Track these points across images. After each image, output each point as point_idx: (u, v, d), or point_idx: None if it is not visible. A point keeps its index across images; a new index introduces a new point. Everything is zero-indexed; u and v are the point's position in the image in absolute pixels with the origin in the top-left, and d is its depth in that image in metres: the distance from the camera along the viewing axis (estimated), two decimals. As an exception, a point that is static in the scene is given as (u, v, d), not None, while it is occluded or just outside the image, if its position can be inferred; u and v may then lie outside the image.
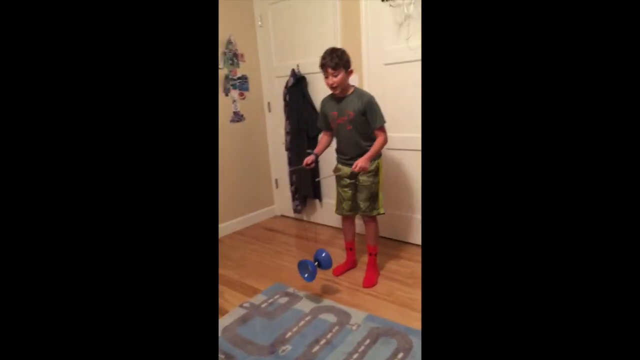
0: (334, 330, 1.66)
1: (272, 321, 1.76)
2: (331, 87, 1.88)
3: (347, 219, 2.16)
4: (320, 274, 2.17)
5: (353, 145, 1.95)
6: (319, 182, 2.78)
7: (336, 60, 1.80)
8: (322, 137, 2.12)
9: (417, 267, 2.18)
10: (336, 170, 2.08)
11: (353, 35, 2.41)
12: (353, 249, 2.23)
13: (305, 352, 1.53)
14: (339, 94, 1.92)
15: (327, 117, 2.02)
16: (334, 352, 1.52)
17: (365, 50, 2.39)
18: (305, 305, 1.87)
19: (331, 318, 1.75)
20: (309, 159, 2.02)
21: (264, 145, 3.16)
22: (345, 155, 2.01)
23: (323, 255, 1.95)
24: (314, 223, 3.02)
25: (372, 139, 1.92)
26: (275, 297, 1.97)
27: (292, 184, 3.01)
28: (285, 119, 2.92)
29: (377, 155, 1.95)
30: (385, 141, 1.92)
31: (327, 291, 2.02)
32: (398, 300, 1.88)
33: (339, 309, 1.82)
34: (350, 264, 2.23)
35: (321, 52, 1.88)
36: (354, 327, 1.67)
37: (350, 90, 1.93)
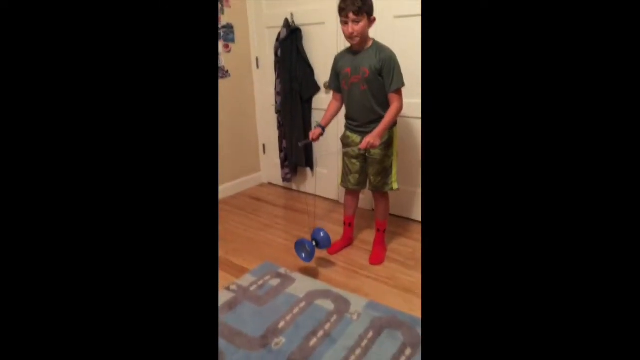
0: (332, 320, 1.50)
1: (263, 307, 1.58)
2: (350, 37, 1.60)
3: (352, 193, 1.95)
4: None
5: (366, 110, 1.70)
6: (305, 145, 2.49)
7: (359, 4, 1.51)
8: (331, 104, 1.86)
9: (418, 247, 2.03)
10: (344, 138, 1.85)
11: (359, -20, 2.06)
12: (352, 225, 2.05)
13: (302, 346, 1.37)
14: (357, 47, 1.64)
15: (339, 76, 1.74)
16: (334, 347, 1.36)
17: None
18: (298, 289, 1.70)
19: (328, 305, 1.59)
20: (314, 133, 1.76)
21: (250, 106, 2.85)
22: (355, 122, 1.76)
23: (322, 234, 1.78)
24: (304, 193, 2.81)
25: (388, 106, 1.67)
26: (265, 278, 1.79)
27: (281, 150, 2.74)
28: (275, 77, 2.60)
29: (393, 124, 1.71)
30: (400, 108, 1.67)
31: (322, 272, 1.85)
32: (400, 284, 1.73)
33: (336, 294, 1.65)
34: (347, 241, 2.05)
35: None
36: (354, 317, 1.51)
37: (369, 44, 1.65)
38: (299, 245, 1.79)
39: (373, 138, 1.60)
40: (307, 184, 2.80)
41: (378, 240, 1.96)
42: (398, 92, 1.64)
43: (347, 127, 1.83)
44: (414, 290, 1.68)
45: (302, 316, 1.52)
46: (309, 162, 2.67)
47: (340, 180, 1.95)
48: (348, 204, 1.99)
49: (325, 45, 2.34)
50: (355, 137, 1.77)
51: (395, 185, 1.81)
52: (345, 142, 1.84)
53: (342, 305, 1.58)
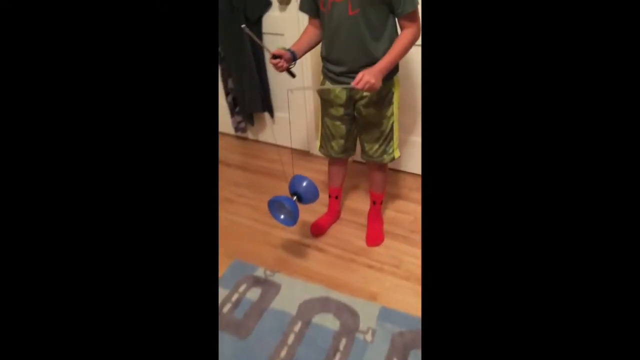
0: (341, 347, 1.16)
1: (247, 340, 1.20)
2: None
3: (337, 162, 1.48)
4: (298, 224, 1.59)
5: (357, 48, 1.12)
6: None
7: None
8: (306, 29, 1.24)
9: (418, 212, 1.69)
10: (323, 92, 1.28)
11: None
12: (339, 197, 1.62)
13: (310, 397, 1.05)
14: None
15: None
16: (352, 392, 1.05)
17: None
18: (287, 300, 1.32)
19: (331, 322, 1.24)
20: (279, 52, 1.13)
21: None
22: (340, 66, 1.18)
23: (304, 184, 1.28)
24: (265, 144, 2.26)
25: (390, 42, 1.11)
26: (241, 289, 1.37)
27: (227, 92, 2.08)
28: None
29: (394, 68, 1.16)
30: (416, 35, 1.11)
31: (310, 265, 1.47)
32: (410, 273, 1.42)
33: (337, 302, 1.30)
34: (334, 216, 1.65)
35: None
36: (368, 337, 1.19)
37: None
38: (275, 205, 1.28)
39: (373, 75, 1.04)
40: (267, 132, 2.23)
41: (373, 214, 1.57)
42: (413, 15, 1.07)
43: (326, 75, 1.26)
44: (428, 279, 1.38)
45: (302, 347, 1.17)
46: (267, 105, 2.06)
47: (318, 145, 1.45)
48: (333, 175, 1.53)
49: None
50: (340, 92, 1.22)
51: (397, 154, 1.36)
52: (325, 96, 1.29)
53: (349, 319, 1.24)
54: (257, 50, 1.88)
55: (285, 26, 1.78)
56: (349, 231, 1.61)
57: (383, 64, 1.08)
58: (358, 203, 1.74)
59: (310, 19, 1.23)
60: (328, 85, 1.24)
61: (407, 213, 1.69)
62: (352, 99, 1.23)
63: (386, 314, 1.25)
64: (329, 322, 1.24)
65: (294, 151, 2.17)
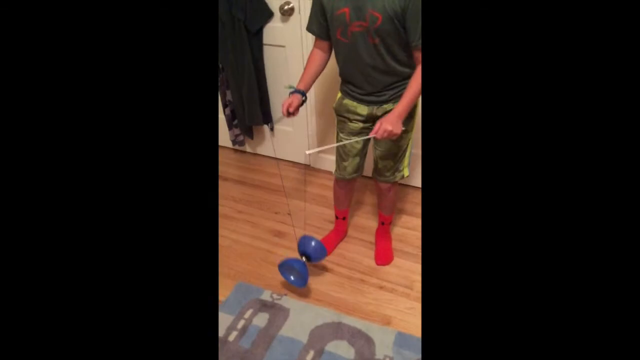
0: (358, 378, 1.10)
1: (256, 372, 1.12)
2: None
3: (346, 185, 1.42)
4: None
5: (380, 71, 1.09)
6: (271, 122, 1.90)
7: None
8: (312, 56, 1.19)
9: (427, 228, 1.64)
10: (340, 107, 1.23)
11: None
12: (346, 218, 1.56)
13: None
14: None
15: (327, 16, 1.07)
16: None
17: None
18: (297, 326, 1.24)
19: (345, 350, 1.17)
20: (290, 104, 1.12)
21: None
22: (361, 89, 1.15)
23: (312, 244, 1.32)
24: (262, 156, 2.19)
25: (411, 61, 1.07)
26: (247, 314, 1.29)
27: (226, 105, 2.01)
28: (203, -3, 1.73)
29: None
30: None
31: (319, 287, 1.40)
32: (423, 293, 1.36)
33: (350, 328, 1.23)
34: (341, 235, 1.59)
35: None
36: (386, 365, 1.13)
37: None
38: (286, 268, 1.33)
39: (391, 123, 1.02)
40: (266, 146, 2.16)
41: (381, 232, 1.52)
42: None
43: (345, 93, 1.21)
44: (442, 300, 1.33)
45: (316, 378, 1.10)
46: (267, 117, 2.00)
47: (335, 168, 1.39)
48: (342, 197, 1.47)
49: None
50: (362, 109, 1.18)
51: (406, 172, 1.31)
52: (343, 113, 1.24)
53: (364, 346, 1.18)
54: (258, 63, 1.82)
55: (287, 38, 1.73)
56: (356, 249, 1.55)
57: (401, 107, 1.04)
58: (364, 219, 1.69)
59: (317, 41, 1.17)
60: (345, 105, 1.21)
61: (414, 229, 1.64)
62: (373, 115, 1.18)
63: (403, 340, 1.19)
64: (343, 350, 1.17)
65: (296, 165, 2.11)
